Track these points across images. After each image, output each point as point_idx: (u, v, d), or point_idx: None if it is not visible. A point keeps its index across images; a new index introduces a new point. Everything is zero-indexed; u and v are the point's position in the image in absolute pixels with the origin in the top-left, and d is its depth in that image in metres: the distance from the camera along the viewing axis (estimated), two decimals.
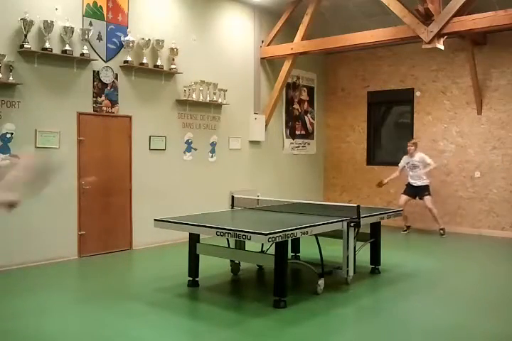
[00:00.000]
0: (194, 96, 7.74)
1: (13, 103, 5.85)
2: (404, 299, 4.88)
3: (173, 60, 7.43)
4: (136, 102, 7.09)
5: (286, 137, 9.75)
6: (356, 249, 5.33)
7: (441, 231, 8.37)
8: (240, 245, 5.48)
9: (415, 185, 8.49)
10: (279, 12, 8.95)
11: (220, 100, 8.13)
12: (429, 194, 8.43)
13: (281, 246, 4.42)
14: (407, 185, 8.63)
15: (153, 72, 7.25)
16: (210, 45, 8.14)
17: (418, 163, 8.44)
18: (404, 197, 8.55)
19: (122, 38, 6.83)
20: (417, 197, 8.53)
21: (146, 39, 7.05)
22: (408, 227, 8.70)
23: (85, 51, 6.36)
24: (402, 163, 8.68)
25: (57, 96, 6.22)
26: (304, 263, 5.17)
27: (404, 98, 9.59)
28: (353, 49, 9.18)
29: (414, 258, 6.64)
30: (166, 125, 7.49)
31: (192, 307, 4.74)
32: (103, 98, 6.71)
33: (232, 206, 6.11)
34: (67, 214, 6.29)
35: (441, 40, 7.08)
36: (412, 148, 8.53)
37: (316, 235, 4.84)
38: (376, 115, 10.28)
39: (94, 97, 6.61)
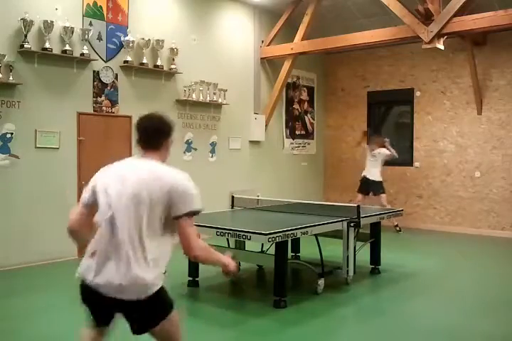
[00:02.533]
0: (194, 96, 7.74)
1: (13, 103, 5.85)
2: (404, 299, 4.88)
3: (173, 60, 7.43)
4: (136, 102, 7.08)
5: (286, 137, 9.75)
6: (356, 248, 5.33)
7: (397, 228, 8.59)
8: (240, 245, 5.48)
9: (370, 178, 8.63)
10: (279, 12, 8.95)
11: (220, 100, 8.13)
12: (384, 192, 8.60)
13: (281, 246, 4.42)
14: (361, 180, 8.73)
15: (153, 72, 7.24)
16: (210, 45, 8.14)
17: (378, 155, 8.62)
18: (359, 196, 8.64)
19: (122, 38, 6.83)
20: (371, 193, 8.64)
21: (146, 39, 7.05)
22: (396, 227, 8.65)
23: (85, 51, 6.36)
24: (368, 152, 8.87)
25: (57, 96, 6.22)
26: (304, 263, 5.17)
27: (404, 98, 9.59)
28: (353, 49, 9.18)
29: (414, 258, 6.64)
30: None
31: (192, 307, 4.73)
32: (103, 98, 6.71)
33: (232, 206, 6.11)
34: (67, 214, 6.28)
35: (441, 40, 7.08)
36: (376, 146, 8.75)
37: (316, 235, 4.85)
38: (376, 115, 10.28)
39: (94, 97, 6.61)
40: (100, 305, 2.28)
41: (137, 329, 2.26)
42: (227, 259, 2.43)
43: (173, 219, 2.23)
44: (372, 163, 8.68)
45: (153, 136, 2.41)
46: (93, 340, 2.39)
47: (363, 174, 8.78)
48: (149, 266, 2.20)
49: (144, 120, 2.47)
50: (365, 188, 8.69)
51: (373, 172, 8.65)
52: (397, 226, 8.63)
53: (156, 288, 2.22)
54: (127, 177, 2.24)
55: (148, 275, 2.19)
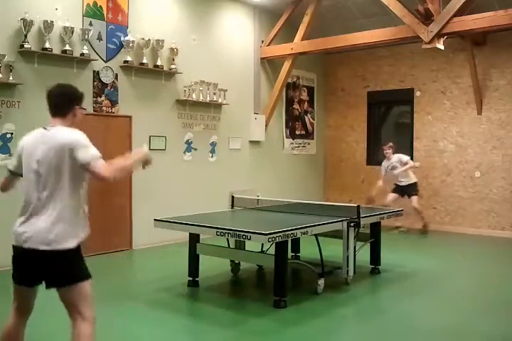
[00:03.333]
0: (194, 96, 7.75)
1: (13, 103, 5.86)
2: (404, 299, 4.88)
3: (173, 60, 7.43)
4: (136, 102, 7.09)
5: (286, 137, 9.75)
6: (356, 248, 5.33)
7: (424, 228, 8.50)
8: (240, 245, 5.48)
9: (402, 184, 8.49)
10: (279, 12, 8.95)
11: (220, 100, 8.13)
12: (416, 194, 8.43)
13: (281, 246, 4.42)
14: (395, 184, 8.64)
15: (153, 72, 7.25)
16: (210, 45, 8.14)
17: (396, 164, 8.44)
18: (392, 195, 8.51)
19: (122, 38, 6.83)
20: (406, 196, 8.51)
21: (146, 39, 7.05)
22: (398, 227, 8.58)
23: (85, 51, 6.36)
24: (382, 170, 8.69)
25: None
26: (304, 263, 5.17)
27: (404, 98, 9.59)
28: (353, 49, 9.18)
29: (414, 258, 6.64)
30: (166, 125, 7.49)
31: (192, 307, 4.74)
32: (103, 98, 6.71)
33: (232, 206, 6.11)
34: None
35: (441, 40, 7.08)
36: (389, 151, 8.53)
37: (316, 235, 4.85)
38: (376, 115, 10.28)
39: (94, 97, 6.61)
40: (23, 259, 2.61)
41: (47, 283, 2.60)
42: (138, 154, 2.76)
43: (80, 167, 2.53)
44: (393, 170, 8.46)
45: (60, 102, 2.77)
46: (13, 325, 2.74)
47: (394, 183, 8.58)
48: (60, 220, 2.54)
49: (52, 88, 2.84)
50: (399, 191, 8.52)
51: (403, 178, 8.45)
52: (425, 226, 8.52)
53: (67, 245, 2.53)
54: (39, 143, 2.61)
55: (58, 229, 2.52)
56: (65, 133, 2.61)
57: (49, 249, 2.51)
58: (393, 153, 8.57)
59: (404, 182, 8.46)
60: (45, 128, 2.70)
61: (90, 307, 2.65)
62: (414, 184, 8.48)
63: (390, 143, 8.66)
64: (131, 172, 2.70)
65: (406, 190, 8.47)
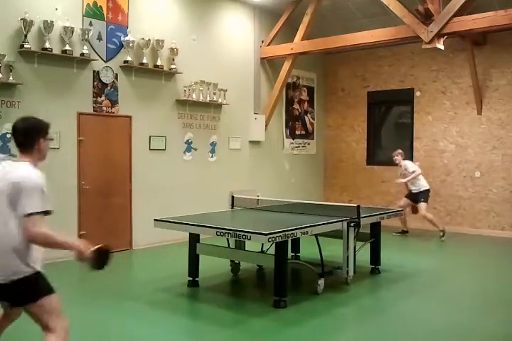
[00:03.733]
0: (194, 96, 7.75)
1: (13, 103, 5.86)
2: (404, 299, 4.88)
3: (173, 60, 7.43)
4: (136, 102, 7.09)
5: (286, 137, 9.75)
6: (356, 248, 5.33)
7: (441, 233, 8.06)
8: (240, 245, 5.48)
9: (413, 191, 8.27)
10: (279, 12, 8.95)
11: (220, 100, 8.13)
12: (424, 201, 8.14)
13: (281, 246, 4.42)
14: (408, 190, 8.45)
15: (153, 72, 7.25)
16: (210, 45, 8.14)
17: (405, 172, 8.23)
18: (404, 200, 8.33)
19: (122, 38, 6.83)
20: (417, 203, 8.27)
21: (146, 39, 7.05)
22: (404, 232, 8.43)
23: (85, 51, 6.36)
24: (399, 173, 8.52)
25: (57, 96, 6.22)
26: (304, 263, 5.17)
27: (404, 98, 9.59)
28: (353, 49, 9.19)
29: (414, 258, 6.64)
30: (166, 125, 7.49)
31: (192, 307, 4.74)
32: (103, 98, 6.71)
33: (232, 206, 6.11)
34: (67, 214, 6.28)
35: (441, 40, 7.08)
36: (398, 158, 8.33)
37: (316, 235, 4.85)
38: (376, 115, 10.28)
39: (94, 97, 6.61)
40: None
41: (11, 303, 2.60)
42: (79, 246, 2.53)
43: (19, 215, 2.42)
44: (403, 181, 8.23)
45: (21, 140, 2.64)
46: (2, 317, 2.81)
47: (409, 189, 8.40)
48: (15, 253, 2.44)
49: (15, 123, 2.68)
50: (411, 198, 8.31)
51: (412, 186, 8.24)
52: (442, 231, 8.11)
53: (19, 276, 2.46)
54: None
55: (15, 262, 2.44)
56: (19, 173, 2.50)
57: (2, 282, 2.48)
58: (403, 159, 8.33)
59: (414, 190, 8.24)
60: (7, 163, 2.60)
61: (58, 319, 2.63)
62: (425, 191, 8.20)
63: (399, 150, 8.40)
64: (54, 248, 2.56)
65: (416, 198, 8.23)
